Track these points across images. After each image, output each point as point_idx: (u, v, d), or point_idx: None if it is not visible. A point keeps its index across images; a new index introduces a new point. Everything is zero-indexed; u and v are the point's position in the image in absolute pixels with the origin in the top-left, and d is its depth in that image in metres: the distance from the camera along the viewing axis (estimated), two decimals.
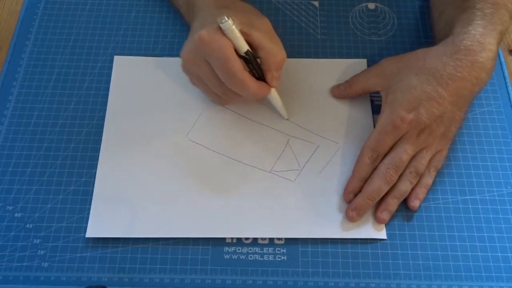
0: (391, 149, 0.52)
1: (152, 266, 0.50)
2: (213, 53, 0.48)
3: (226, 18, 0.47)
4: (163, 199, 0.52)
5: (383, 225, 0.51)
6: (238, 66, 0.48)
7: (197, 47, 0.48)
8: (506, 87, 0.60)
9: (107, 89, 0.59)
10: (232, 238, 0.51)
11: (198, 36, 0.47)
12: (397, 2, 0.66)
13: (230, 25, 0.47)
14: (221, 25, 0.47)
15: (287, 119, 0.57)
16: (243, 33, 0.48)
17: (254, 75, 0.51)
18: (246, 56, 0.49)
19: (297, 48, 0.62)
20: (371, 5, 0.66)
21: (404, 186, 0.52)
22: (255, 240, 0.51)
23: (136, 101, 0.58)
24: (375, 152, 0.51)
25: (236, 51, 0.48)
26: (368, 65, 0.61)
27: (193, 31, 0.51)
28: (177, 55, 0.60)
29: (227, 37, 0.47)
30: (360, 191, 0.52)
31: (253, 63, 0.50)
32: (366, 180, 0.52)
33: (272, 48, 0.50)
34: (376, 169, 0.52)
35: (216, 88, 0.52)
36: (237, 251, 0.51)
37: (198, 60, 0.50)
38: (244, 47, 0.48)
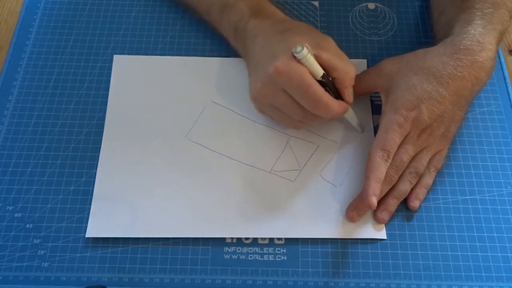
0: None
1: (152, 266, 0.50)
2: (293, 82, 0.47)
3: (301, 47, 0.46)
4: (163, 199, 0.52)
5: (383, 225, 0.51)
6: (321, 91, 0.48)
7: (273, 79, 0.48)
8: (506, 87, 0.60)
9: (107, 89, 0.59)
10: (232, 238, 0.51)
11: (274, 68, 0.47)
12: (397, 2, 0.66)
13: (306, 53, 0.46)
14: (296, 54, 0.46)
15: (362, 132, 0.56)
16: (314, 56, 0.48)
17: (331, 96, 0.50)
18: (323, 80, 0.49)
19: None
20: (371, 5, 0.66)
21: (404, 187, 0.52)
22: (255, 240, 0.51)
23: (136, 101, 0.58)
24: (385, 151, 0.50)
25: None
26: (368, 66, 0.61)
27: (260, 61, 0.50)
28: (177, 55, 0.61)
29: (303, 65, 0.47)
30: (380, 192, 0.50)
31: (329, 85, 0.50)
32: (382, 181, 0.50)
33: (345, 67, 0.50)
34: None
35: (296, 115, 0.51)
36: (237, 251, 0.51)
37: (275, 91, 0.49)
38: (320, 72, 0.48)
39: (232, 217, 0.51)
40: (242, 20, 0.54)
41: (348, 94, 0.51)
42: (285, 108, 0.51)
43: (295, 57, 0.47)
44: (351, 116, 0.54)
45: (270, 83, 0.49)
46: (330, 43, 0.51)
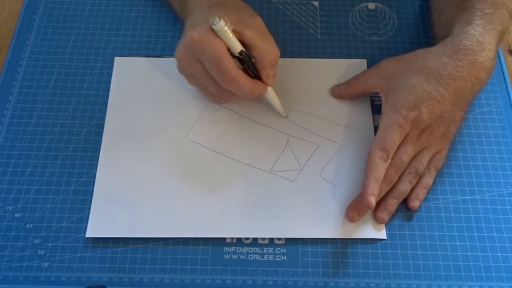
0: None
1: (152, 266, 0.50)
2: (205, 53, 0.48)
3: (218, 19, 0.46)
4: (163, 199, 0.52)
5: (383, 225, 0.51)
6: (231, 65, 0.48)
7: (189, 48, 0.48)
8: (506, 87, 0.60)
9: (107, 89, 0.59)
10: (232, 238, 0.51)
11: (190, 36, 0.47)
12: (397, 2, 0.66)
13: (222, 26, 0.46)
14: (213, 26, 0.47)
15: (286, 117, 0.57)
16: (235, 32, 0.48)
17: (249, 75, 0.51)
18: (240, 56, 0.49)
19: (297, 48, 0.62)
20: (371, 5, 0.66)
21: (404, 187, 0.52)
22: (255, 240, 0.51)
23: (136, 101, 0.58)
24: (385, 151, 0.50)
25: (229, 51, 0.48)
26: (368, 66, 0.61)
27: (186, 30, 0.51)
28: None
29: (220, 38, 0.47)
30: (380, 192, 0.50)
31: (248, 62, 0.50)
32: (381, 181, 0.50)
33: (265, 47, 0.50)
34: None
35: (211, 88, 0.52)
36: (237, 251, 0.51)
37: (191, 60, 0.50)
38: (237, 47, 0.48)
39: (232, 217, 0.51)
40: None
41: (267, 75, 0.51)
42: (201, 79, 0.51)
43: (212, 29, 0.47)
44: (272, 98, 0.55)
45: (186, 52, 0.49)
46: (257, 21, 0.51)
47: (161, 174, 0.54)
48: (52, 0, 0.66)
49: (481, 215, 0.52)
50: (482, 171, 0.55)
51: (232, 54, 0.48)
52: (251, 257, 0.50)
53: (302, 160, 0.55)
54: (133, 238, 0.51)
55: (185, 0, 0.55)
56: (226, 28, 0.47)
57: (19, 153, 0.55)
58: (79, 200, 0.53)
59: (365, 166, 0.51)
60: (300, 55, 0.62)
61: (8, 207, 0.52)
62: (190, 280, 0.49)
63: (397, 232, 0.51)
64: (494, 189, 0.54)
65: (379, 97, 0.54)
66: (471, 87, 0.51)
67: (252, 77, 0.51)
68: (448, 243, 0.51)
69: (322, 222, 0.51)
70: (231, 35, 0.47)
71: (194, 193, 0.53)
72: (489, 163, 0.55)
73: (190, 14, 0.53)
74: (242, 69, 0.50)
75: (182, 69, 0.53)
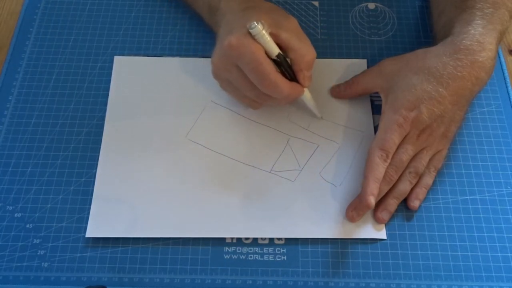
0: None
1: (152, 266, 0.50)
2: (244, 58, 0.47)
3: (255, 23, 0.46)
4: (163, 199, 0.52)
5: (383, 225, 0.51)
6: (271, 69, 0.47)
7: (226, 53, 0.48)
8: (506, 87, 0.60)
9: (107, 89, 0.59)
10: (232, 238, 0.51)
11: (228, 42, 0.47)
12: (397, 2, 0.66)
13: (260, 30, 0.46)
14: (250, 30, 0.46)
15: (321, 117, 0.57)
16: (271, 35, 0.47)
17: (286, 77, 0.50)
18: (278, 59, 0.48)
19: None
20: (371, 5, 0.66)
21: (404, 186, 0.52)
22: (255, 240, 0.51)
23: (136, 101, 0.58)
24: (384, 151, 0.50)
25: (267, 54, 0.48)
26: (368, 66, 0.61)
27: (221, 36, 0.50)
28: (177, 55, 0.61)
29: (257, 42, 0.47)
30: (380, 192, 0.50)
31: (285, 65, 0.49)
32: (380, 181, 0.50)
33: (302, 48, 0.49)
34: None
35: (248, 92, 0.51)
36: (237, 251, 0.51)
37: (228, 66, 0.49)
38: (275, 50, 0.48)
39: (232, 217, 0.51)
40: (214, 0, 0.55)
41: (303, 77, 0.51)
42: (238, 84, 0.51)
43: (250, 33, 0.47)
44: (308, 100, 0.54)
45: (224, 57, 0.49)
46: (292, 23, 0.50)
47: (161, 174, 0.54)
48: (52, 0, 0.66)
49: (481, 215, 0.52)
50: (482, 171, 0.55)
51: (269, 57, 0.48)
52: (251, 257, 0.50)
53: (302, 160, 0.55)
54: (133, 238, 0.51)
55: (214, 7, 0.55)
56: (264, 31, 0.46)
57: (19, 153, 0.55)
58: (79, 200, 0.53)
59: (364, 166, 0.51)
60: None
61: (8, 207, 0.52)
62: (190, 280, 0.49)
63: (397, 232, 0.51)
64: (494, 189, 0.54)
65: (379, 97, 0.54)
66: (471, 87, 0.51)
67: (289, 79, 0.50)
68: (448, 243, 0.51)
69: (322, 222, 0.51)
70: (268, 38, 0.47)
71: (194, 193, 0.53)
72: (489, 163, 0.55)
73: (222, 20, 0.52)
74: (279, 72, 0.49)
75: (217, 75, 0.53)
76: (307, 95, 0.54)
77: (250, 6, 0.51)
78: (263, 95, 0.50)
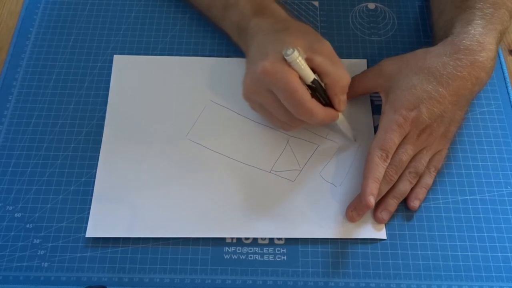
0: None
1: (152, 266, 0.50)
2: (279, 85, 0.46)
3: (292, 49, 0.45)
4: (163, 199, 0.52)
5: (383, 225, 0.51)
6: (306, 96, 0.47)
7: (260, 78, 0.47)
8: (506, 87, 0.60)
9: (107, 89, 0.59)
10: (232, 238, 0.51)
11: (262, 68, 0.46)
12: (397, 2, 0.66)
13: (296, 56, 0.45)
14: (286, 57, 0.45)
15: (354, 141, 0.56)
16: (306, 59, 0.47)
17: (320, 101, 0.49)
18: (313, 85, 0.48)
19: None
20: (371, 5, 0.66)
21: (404, 186, 0.52)
22: (255, 240, 0.51)
23: (136, 101, 0.58)
24: (384, 151, 0.50)
25: (301, 79, 0.47)
26: (368, 65, 0.61)
27: (253, 59, 0.50)
28: (177, 55, 0.61)
29: (292, 68, 0.46)
30: (380, 192, 0.50)
31: (320, 90, 0.49)
32: (380, 181, 0.50)
33: (336, 73, 0.49)
34: None
35: (281, 117, 0.50)
36: (237, 251, 0.51)
37: (261, 90, 0.49)
38: (310, 76, 0.47)
39: (232, 217, 0.51)
40: (244, 19, 0.54)
41: (338, 101, 0.50)
42: (271, 109, 0.50)
43: (285, 59, 0.46)
44: (342, 124, 0.54)
45: (257, 82, 0.49)
46: (326, 46, 0.50)
47: (161, 174, 0.54)
48: (52, 0, 0.66)
49: (481, 215, 0.52)
50: (482, 171, 0.55)
51: (303, 82, 0.47)
52: (251, 257, 0.50)
53: (302, 160, 0.55)
54: (133, 238, 0.51)
55: (243, 25, 0.54)
56: (300, 59, 0.46)
57: (19, 153, 0.55)
58: (79, 200, 0.53)
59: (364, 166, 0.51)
60: None
61: (8, 207, 0.52)
62: (190, 280, 0.49)
63: (397, 232, 0.51)
64: (494, 189, 0.54)
65: (379, 97, 0.54)
66: (471, 87, 0.51)
67: (324, 104, 0.50)
68: (448, 243, 0.51)
69: (322, 222, 0.51)
70: (304, 65, 0.46)
71: (194, 193, 0.53)
72: (489, 163, 0.55)
73: (252, 40, 0.52)
74: (313, 96, 0.49)
75: (248, 97, 0.52)
76: (341, 119, 0.53)
77: (283, 28, 0.50)
78: (296, 120, 0.50)
